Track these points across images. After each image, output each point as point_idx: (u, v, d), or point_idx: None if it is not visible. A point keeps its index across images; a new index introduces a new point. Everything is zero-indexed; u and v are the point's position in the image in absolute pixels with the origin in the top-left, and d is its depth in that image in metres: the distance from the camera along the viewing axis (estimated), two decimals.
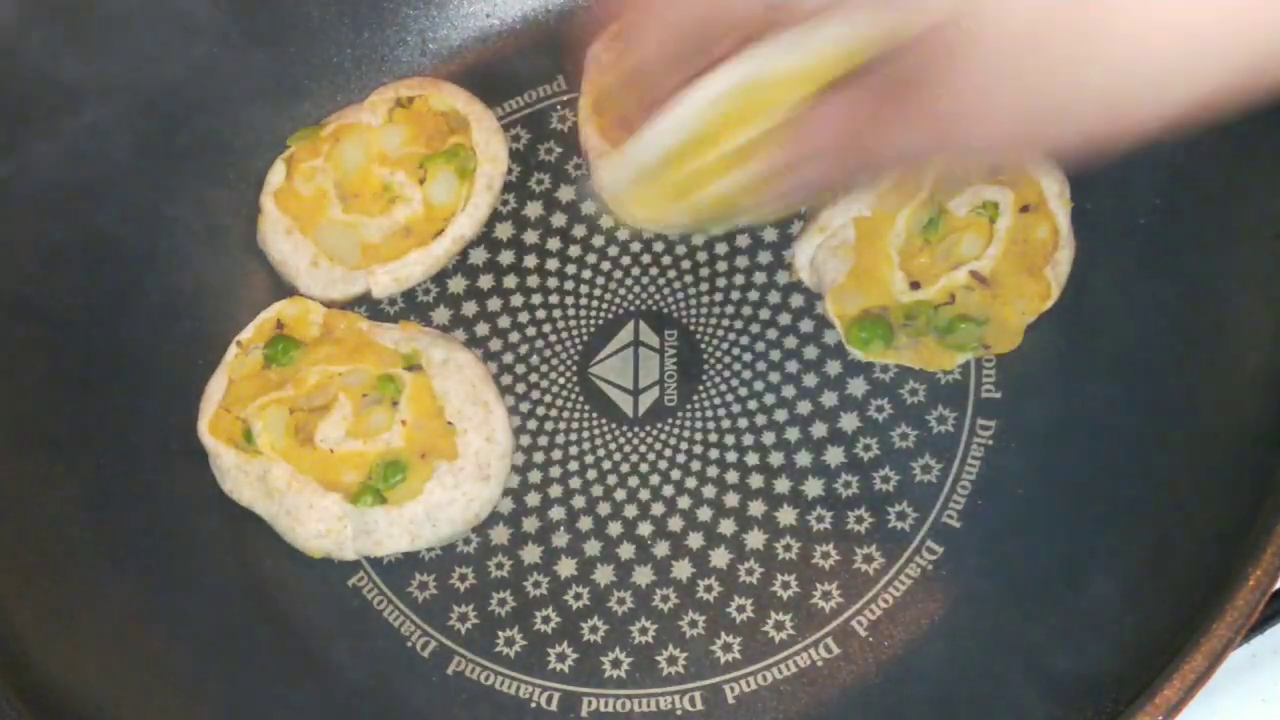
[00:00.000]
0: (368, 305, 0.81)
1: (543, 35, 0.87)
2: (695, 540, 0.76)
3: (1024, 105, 0.47)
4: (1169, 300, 0.74)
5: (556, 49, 0.86)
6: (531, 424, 0.79)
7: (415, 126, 0.82)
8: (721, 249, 0.81)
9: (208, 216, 0.83)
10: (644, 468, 0.78)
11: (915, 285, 0.76)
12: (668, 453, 0.78)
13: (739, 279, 0.81)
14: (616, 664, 0.74)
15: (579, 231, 0.83)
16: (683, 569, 0.76)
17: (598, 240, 0.82)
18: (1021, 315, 0.75)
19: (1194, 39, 0.45)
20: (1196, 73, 0.46)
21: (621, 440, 0.78)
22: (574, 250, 0.82)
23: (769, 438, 0.77)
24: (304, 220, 0.80)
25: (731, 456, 0.77)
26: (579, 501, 0.77)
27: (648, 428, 0.78)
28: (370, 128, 0.81)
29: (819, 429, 0.77)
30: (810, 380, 0.78)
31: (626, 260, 0.82)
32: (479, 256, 0.82)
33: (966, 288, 0.75)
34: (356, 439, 0.75)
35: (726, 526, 0.76)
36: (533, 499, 0.78)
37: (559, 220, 0.83)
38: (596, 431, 0.79)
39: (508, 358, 0.81)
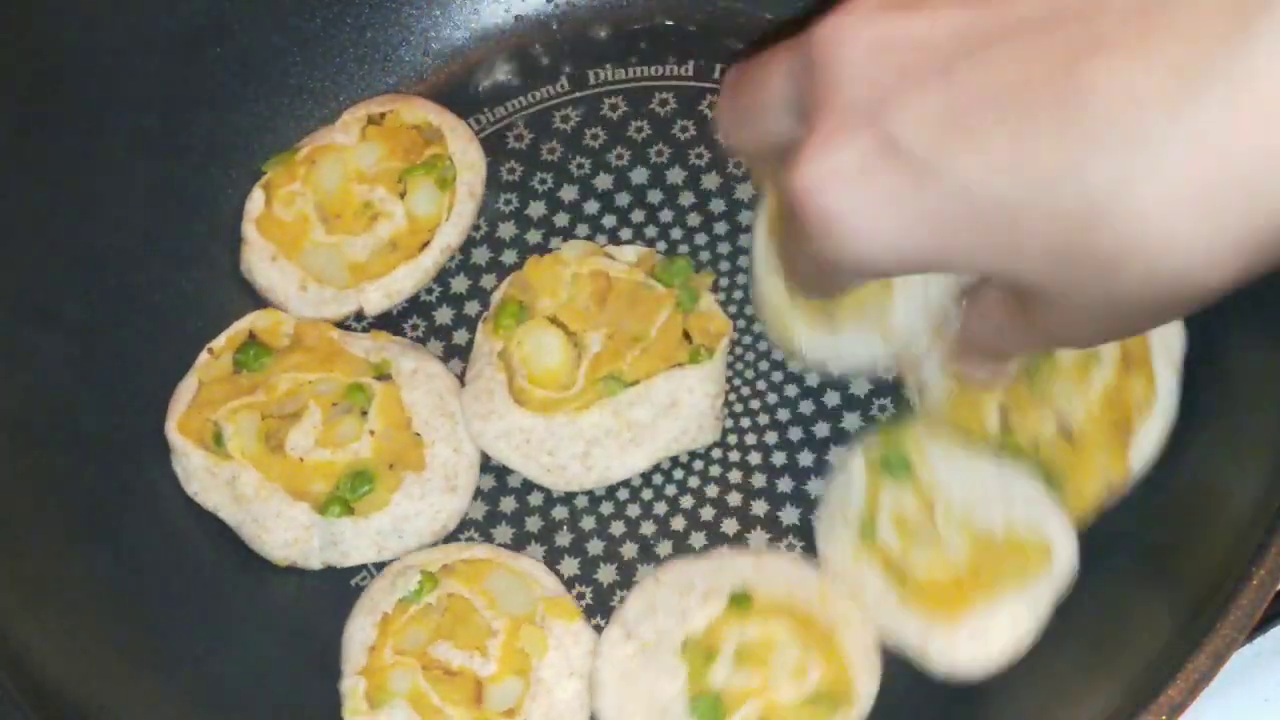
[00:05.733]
0: (367, 321, 0.81)
1: (545, 35, 0.87)
2: (698, 540, 0.76)
3: (1089, 322, 0.53)
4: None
5: (559, 49, 0.86)
6: None
7: (390, 142, 0.81)
8: (724, 248, 0.81)
9: (210, 216, 0.83)
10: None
11: (1005, 422, 0.71)
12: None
13: (741, 279, 0.81)
14: None
15: (582, 232, 0.82)
16: None
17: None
18: (1098, 488, 0.70)
19: (1208, 224, 0.46)
20: (1225, 247, 0.46)
21: None
22: None
23: (771, 437, 0.77)
24: (287, 245, 0.80)
25: (734, 456, 0.77)
26: (582, 500, 0.77)
27: None
28: (345, 147, 0.81)
29: (822, 428, 0.77)
30: (813, 379, 0.78)
31: None
32: (482, 256, 0.82)
33: (1051, 441, 0.70)
34: (325, 448, 0.75)
35: (730, 526, 0.76)
36: (535, 498, 0.77)
37: (562, 220, 0.83)
38: None
39: None
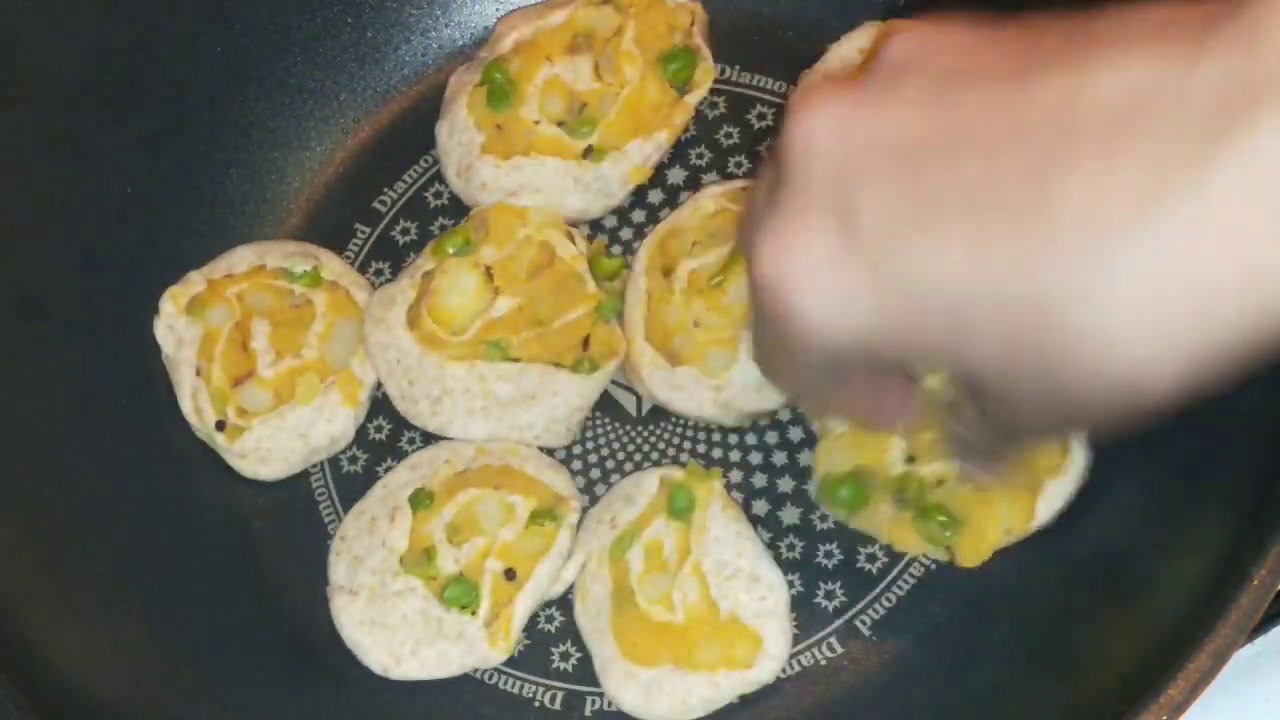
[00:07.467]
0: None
1: None
2: None
3: (1039, 416, 0.54)
4: None
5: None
6: None
7: None
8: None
9: (210, 216, 0.83)
10: (647, 467, 0.78)
11: (911, 460, 0.72)
12: (671, 451, 0.78)
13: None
14: None
15: (582, 230, 0.82)
16: None
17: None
18: (998, 532, 0.70)
19: (1157, 338, 0.48)
20: (1173, 360, 0.48)
21: (625, 439, 0.78)
22: None
23: (772, 437, 0.78)
24: None
25: (735, 455, 0.77)
26: (583, 500, 0.77)
27: (651, 426, 0.78)
28: None
29: None
30: None
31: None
32: None
33: (959, 478, 0.70)
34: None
35: None
36: None
37: None
38: (600, 430, 0.79)
39: None
